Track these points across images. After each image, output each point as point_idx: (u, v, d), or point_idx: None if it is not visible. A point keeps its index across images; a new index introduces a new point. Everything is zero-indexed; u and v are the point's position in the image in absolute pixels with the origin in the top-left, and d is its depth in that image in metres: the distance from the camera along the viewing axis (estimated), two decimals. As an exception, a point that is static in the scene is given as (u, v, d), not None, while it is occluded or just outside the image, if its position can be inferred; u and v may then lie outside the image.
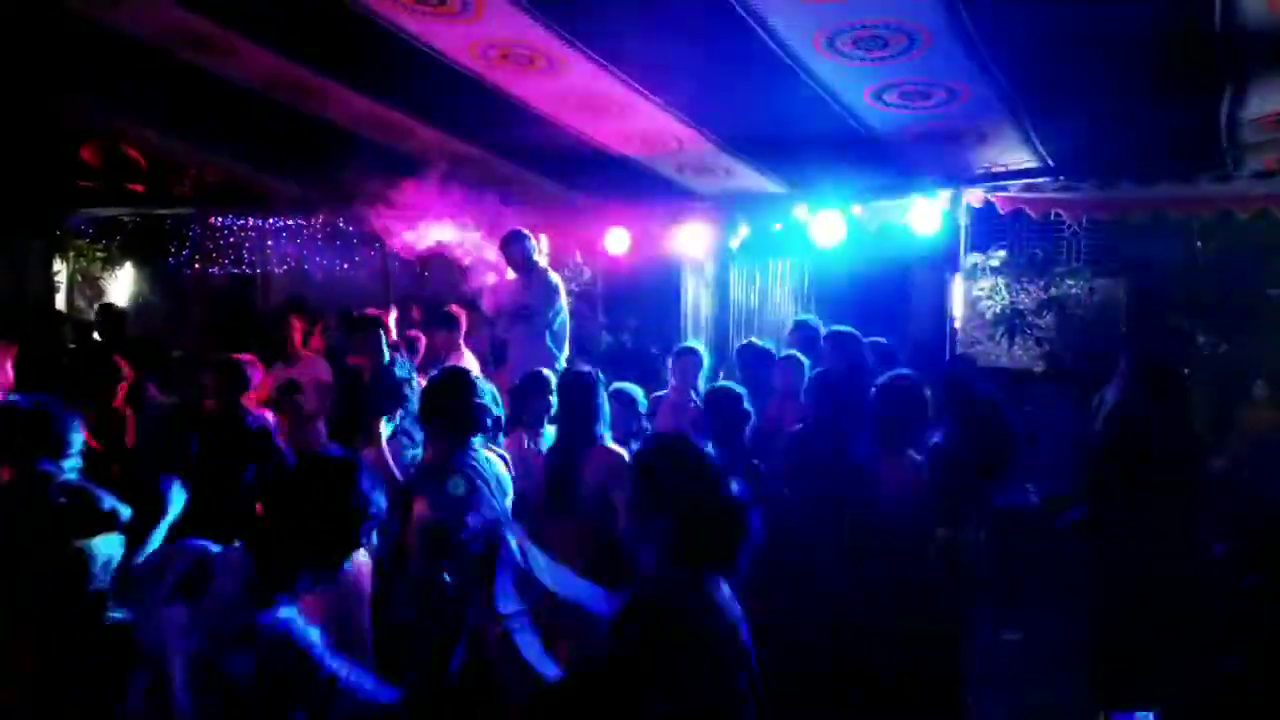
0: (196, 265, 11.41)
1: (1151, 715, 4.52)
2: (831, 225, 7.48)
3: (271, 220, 11.22)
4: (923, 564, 4.08)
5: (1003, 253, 9.25)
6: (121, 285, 11.34)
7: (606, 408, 4.42)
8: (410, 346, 6.72)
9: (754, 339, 6.52)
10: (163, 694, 2.20)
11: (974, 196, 7.11)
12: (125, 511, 3.49)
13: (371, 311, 5.82)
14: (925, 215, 7.13)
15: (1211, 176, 6.40)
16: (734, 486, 2.21)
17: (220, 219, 11.18)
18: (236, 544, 2.33)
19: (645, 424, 5.46)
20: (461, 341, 7.07)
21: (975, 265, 9.12)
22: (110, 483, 3.73)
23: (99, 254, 11.10)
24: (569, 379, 4.51)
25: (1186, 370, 6.16)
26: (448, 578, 3.17)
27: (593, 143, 6.64)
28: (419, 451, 4.69)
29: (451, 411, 3.69)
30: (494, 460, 3.76)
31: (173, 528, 3.12)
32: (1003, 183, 6.89)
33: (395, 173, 6.73)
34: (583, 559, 4.00)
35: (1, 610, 3.40)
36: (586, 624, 2.45)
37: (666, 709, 2.02)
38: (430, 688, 2.69)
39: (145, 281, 11.49)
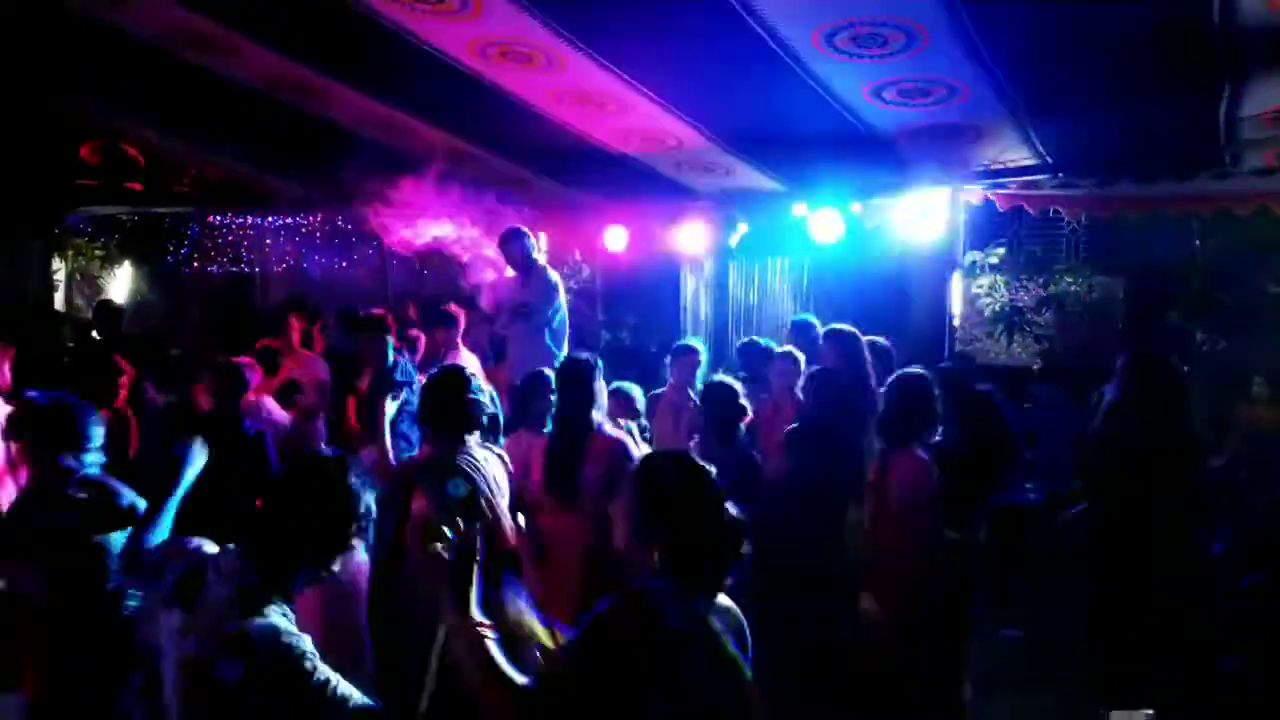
0: (195, 264, 11.42)
1: (1151, 715, 4.51)
2: (830, 223, 7.47)
3: (270, 219, 11.23)
4: (926, 562, 4.07)
5: (1002, 250, 9.26)
6: (120, 284, 11.34)
7: (604, 395, 4.42)
8: (411, 346, 6.73)
9: (755, 338, 6.51)
10: (156, 696, 2.20)
11: (973, 194, 7.11)
12: (143, 506, 3.50)
13: (377, 311, 5.83)
14: (924, 213, 7.13)
15: (1210, 174, 6.39)
16: (731, 507, 2.23)
17: (219, 217, 11.19)
18: (231, 547, 2.33)
19: (643, 422, 5.46)
20: (460, 340, 7.07)
21: (974, 263, 9.13)
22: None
23: (98, 252, 11.10)
24: (565, 365, 4.52)
25: (1185, 368, 6.14)
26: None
27: (591, 140, 6.64)
28: (416, 454, 4.69)
29: (448, 410, 3.69)
30: (492, 460, 3.76)
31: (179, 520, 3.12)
32: (1002, 180, 6.88)
33: (395, 171, 6.73)
34: (584, 554, 4.02)
35: (21, 606, 3.42)
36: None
37: (666, 709, 2.02)
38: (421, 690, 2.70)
39: (144, 280, 11.49)
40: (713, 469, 2.28)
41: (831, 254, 8.05)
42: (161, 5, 5.15)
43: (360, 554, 3.81)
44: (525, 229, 6.71)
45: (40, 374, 5.88)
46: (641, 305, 10.11)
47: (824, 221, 7.50)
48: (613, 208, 8.57)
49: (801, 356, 5.62)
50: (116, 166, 9.16)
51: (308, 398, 6.28)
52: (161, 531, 3.01)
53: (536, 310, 6.48)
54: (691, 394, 5.87)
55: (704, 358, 6.14)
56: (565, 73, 5.33)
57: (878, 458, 4.26)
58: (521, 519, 4.03)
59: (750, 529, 2.28)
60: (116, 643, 3.28)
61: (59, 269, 10.76)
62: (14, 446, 4.09)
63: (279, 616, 2.20)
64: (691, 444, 4.90)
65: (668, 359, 6.21)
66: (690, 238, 8.42)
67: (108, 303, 8.92)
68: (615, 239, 8.66)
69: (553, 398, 4.48)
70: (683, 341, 6.43)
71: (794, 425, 4.82)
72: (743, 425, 4.76)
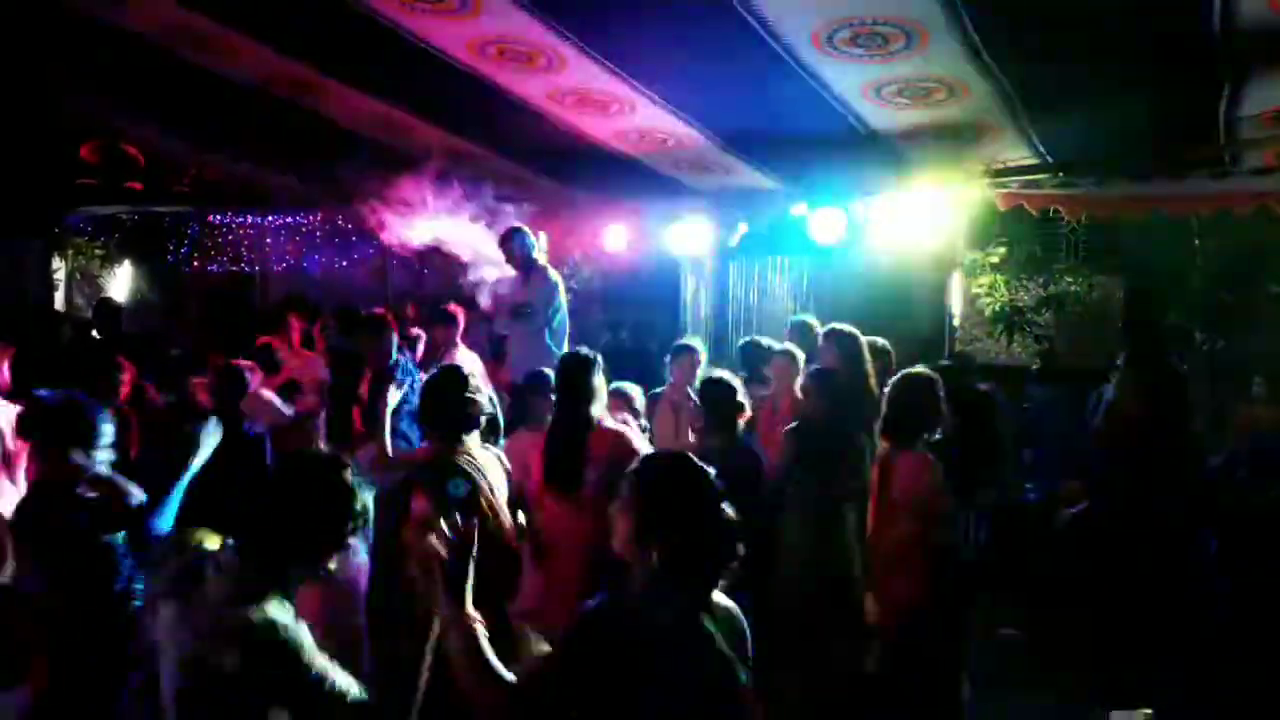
0: (195, 263, 11.42)
1: (1151, 715, 4.52)
2: (830, 223, 7.46)
3: (270, 218, 11.23)
4: (927, 562, 4.07)
5: (1002, 250, 9.24)
6: (120, 283, 11.34)
7: (604, 391, 4.41)
8: (411, 345, 6.72)
9: (756, 337, 6.51)
10: (155, 695, 2.20)
11: (973, 193, 7.10)
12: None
13: (378, 311, 5.82)
14: (924, 212, 7.12)
15: (1210, 173, 6.39)
16: (730, 512, 2.22)
17: (219, 217, 11.19)
18: (228, 543, 2.33)
19: (643, 422, 5.45)
20: (459, 339, 7.07)
21: (974, 262, 9.12)
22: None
23: (97, 252, 11.10)
24: (566, 359, 4.51)
25: (1185, 368, 6.15)
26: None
27: (591, 140, 6.64)
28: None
29: (447, 409, 3.69)
30: (491, 460, 3.76)
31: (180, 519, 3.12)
32: (1002, 179, 6.88)
33: (394, 170, 6.73)
34: (584, 553, 4.02)
35: (22, 604, 3.42)
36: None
37: (655, 709, 2.02)
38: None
39: (144, 279, 11.49)
40: (712, 470, 2.28)
41: (831, 254, 8.04)
42: (161, 5, 5.14)
43: (360, 554, 3.83)
44: (525, 228, 6.71)
45: (40, 373, 5.88)
46: (641, 305, 10.11)
47: (824, 221, 7.48)
48: (613, 208, 8.56)
49: (800, 355, 5.63)
50: (116, 166, 9.14)
51: (308, 398, 6.28)
52: (168, 517, 3.01)
53: (536, 310, 6.47)
54: (691, 393, 5.87)
55: (704, 357, 6.13)
56: (565, 72, 5.33)
57: (880, 457, 4.27)
58: (522, 518, 4.03)
59: (750, 528, 2.28)
60: (117, 642, 3.29)
61: (59, 268, 10.76)
62: (14, 446, 4.10)
63: (278, 609, 2.20)
64: (691, 441, 4.89)
65: (668, 358, 6.21)
66: (690, 237, 8.40)
67: (107, 301, 8.92)
68: (615, 239, 8.65)
69: (553, 398, 4.48)
70: (682, 341, 6.42)
71: (793, 424, 4.82)
72: (741, 422, 4.75)
